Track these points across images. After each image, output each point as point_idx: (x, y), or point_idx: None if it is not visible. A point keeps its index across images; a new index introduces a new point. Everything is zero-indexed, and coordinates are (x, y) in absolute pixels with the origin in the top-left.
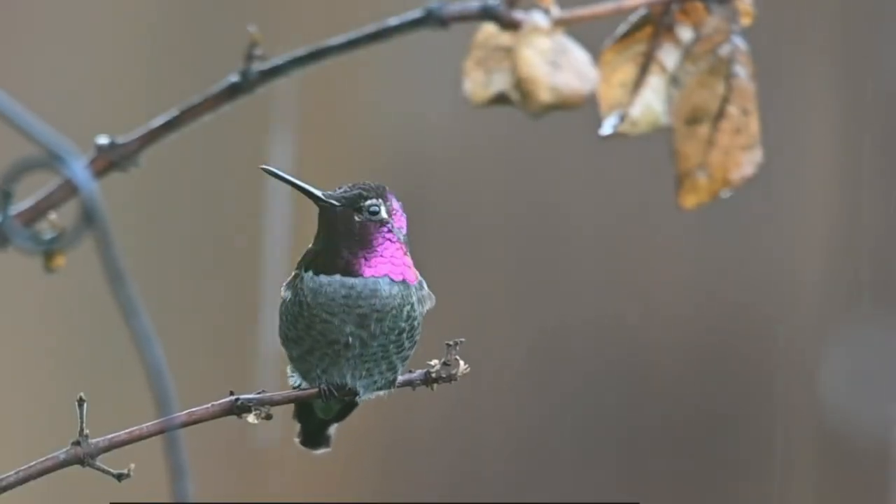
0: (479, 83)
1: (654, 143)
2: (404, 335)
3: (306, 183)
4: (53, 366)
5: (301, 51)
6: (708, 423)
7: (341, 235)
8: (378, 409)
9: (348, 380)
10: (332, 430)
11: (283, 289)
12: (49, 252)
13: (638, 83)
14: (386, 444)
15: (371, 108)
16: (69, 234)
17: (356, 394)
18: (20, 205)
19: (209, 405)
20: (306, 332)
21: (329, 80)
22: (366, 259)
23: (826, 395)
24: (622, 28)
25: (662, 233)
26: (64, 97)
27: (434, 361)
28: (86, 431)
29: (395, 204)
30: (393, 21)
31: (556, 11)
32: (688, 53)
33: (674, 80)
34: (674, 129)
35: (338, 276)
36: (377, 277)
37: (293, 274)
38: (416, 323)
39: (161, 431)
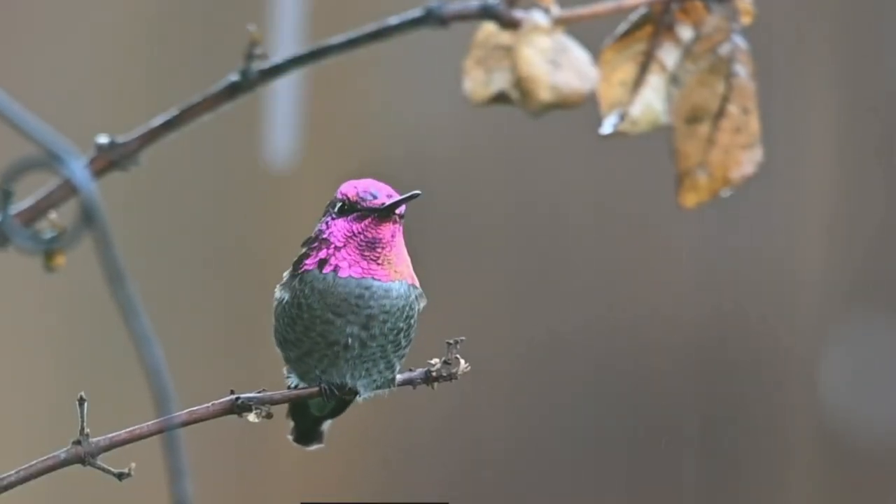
0: (479, 82)
1: (655, 143)
2: (402, 335)
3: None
4: (54, 365)
5: (301, 50)
6: (708, 423)
7: (388, 241)
8: (378, 408)
9: (348, 380)
10: (326, 426)
11: (277, 290)
12: (49, 252)
13: (638, 82)
14: (386, 443)
15: (371, 107)
16: (69, 234)
17: (357, 393)
18: (20, 204)
19: (209, 404)
20: (305, 333)
21: (329, 80)
22: (393, 263)
23: (826, 395)
24: (622, 27)
25: (662, 233)
26: (64, 97)
27: (435, 360)
28: (86, 430)
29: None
30: (393, 20)
31: (556, 10)
32: (688, 52)
33: (674, 79)
34: (674, 127)
35: (359, 278)
36: (393, 280)
37: (289, 274)
38: (412, 322)
39: (161, 431)
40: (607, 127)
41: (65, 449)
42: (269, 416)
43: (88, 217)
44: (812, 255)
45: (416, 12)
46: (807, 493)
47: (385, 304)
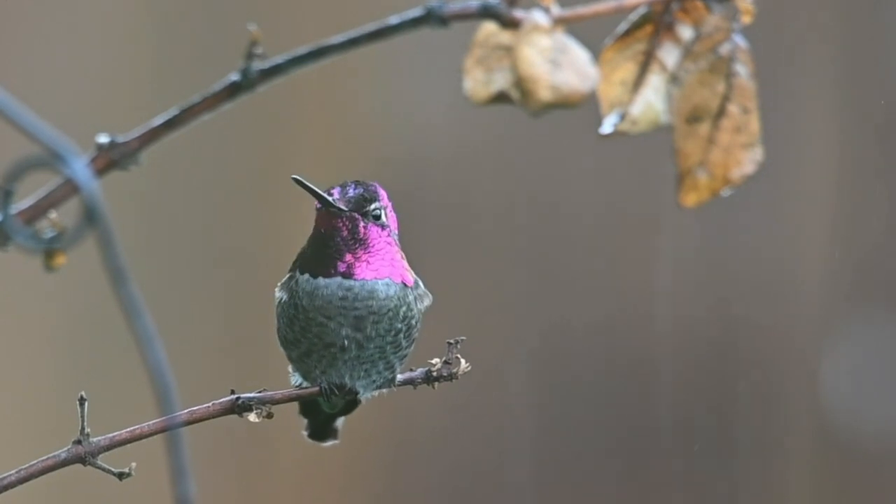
0: (479, 82)
1: (655, 142)
2: (401, 335)
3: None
4: (54, 365)
5: (301, 50)
6: (707, 423)
7: (345, 240)
8: (379, 408)
9: (347, 380)
10: (340, 422)
11: (277, 290)
12: (49, 251)
13: (638, 82)
14: (386, 443)
15: (371, 107)
16: (71, 233)
17: (356, 393)
18: (21, 203)
19: (209, 404)
20: (303, 334)
21: (329, 80)
22: (368, 263)
23: (827, 394)
24: (622, 27)
25: (663, 232)
26: (64, 96)
27: (435, 360)
28: (87, 430)
29: (387, 201)
30: (393, 20)
31: (556, 10)
32: (688, 52)
33: (674, 79)
34: (674, 127)
35: (337, 279)
36: (378, 280)
37: (287, 275)
38: (413, 322)
39: (162, 430)
40: (607, 126)
41: (65, 449)
42: (269, 415)
43: (91, 216)
44: (813, 255)
45: (416, 12)
46: (807, 492)
47: (371, 304)
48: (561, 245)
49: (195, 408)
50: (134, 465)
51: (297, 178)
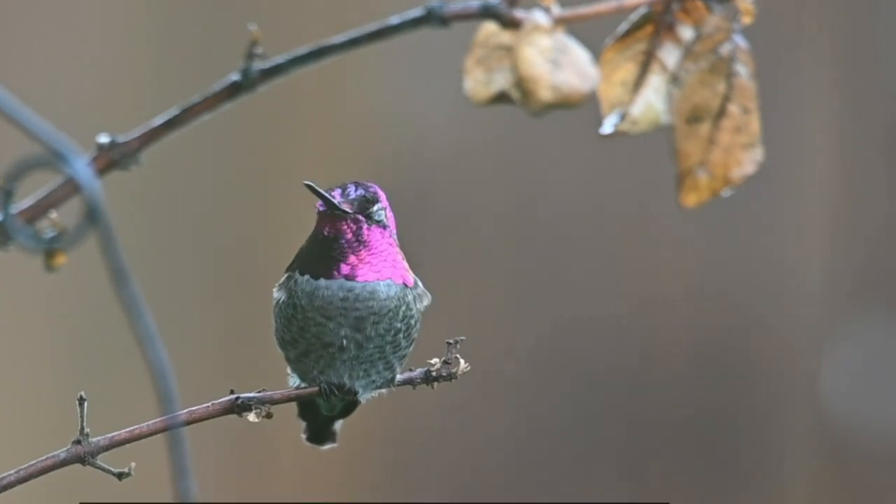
0: (479, 82)
1: (655, 142)
2: (401, 335)
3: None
4: (54, 364)
5: (302, 50)
6: (708, 423)
7: (350, 242)
8: (378, 408)
9: (346, 380)
10: (338, 425)
11: (275, 290)
12: (50, 251)
13: (639, 82)
14: (386, 443)
15: (371, 107)
16: (72, 233)
17: (355, 393)
18: (22, 203)
19: (209, 404)
20: (300, 334)
21: (329, 80)
22: (371, 264)
23: (826, 395)
24: (623, 27)
25: (663, 233)
26: (64, 96)
27: (434, 360)
28: (86, 430)
29: (385, 202)
30: (394, 20)
31: (556, 10)
32: (689, 52)
33: (674, 79)
34: (674, 127)
35: (339, 280)
36: (379, 281)
37: (285, 275)
38: (412, 322)
39: (162, 430)
40: (608, 127)
41: (65, 448)
42: (269, 415)
43: (92, 216)
44: (813, 255)
45: (416, 12)
46: (807, 492)
47: (372, 305)
48: (561, 245)
49: (195, 408)
50: (134, 465)
51: (309, 183)
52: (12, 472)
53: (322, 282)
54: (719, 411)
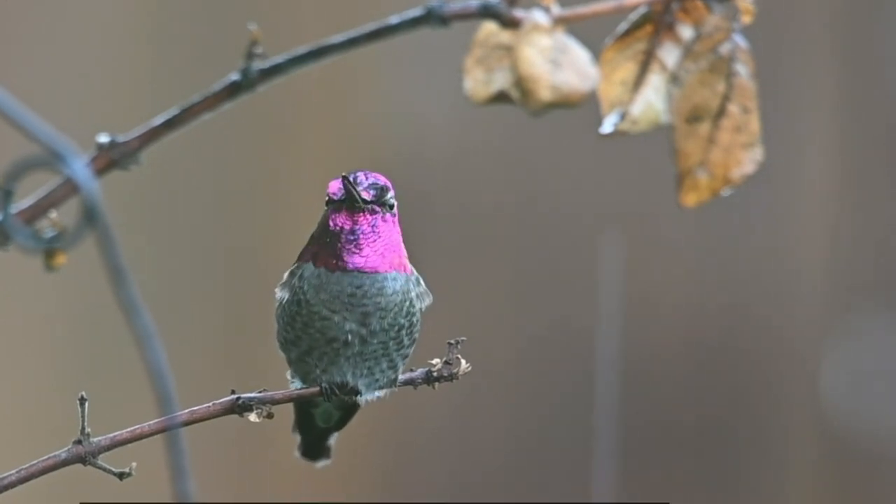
0: (479, 81)
1: (655, 142)
2: (403, 332)
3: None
4: (55, 365)
5: (302, 49)
6: (707, 423)
7: (365, 234)
8: (379, 408)
9: (349, 378)
10: (333, 440)
11: (277, 290)
12: (50, 251)
13: (638, 81)
14: (386, 443)
15: (371, 107)
16: (71, 233)
17: (358, 392)
18: (21, 203)
19: (210, 404)
20: (304, 330)
21: (329, 80)
22: (383, 255)
23: (826, 395)
24: (623, 26)
25: (662, 233)
26: (64, 96)
27: (435, 360)
28: (87, 430)
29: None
30: (393, 19)
31: (556, 10)
32: (688, 52)
33: (674, 79)
34: (674, 127)
35: (350, 275)
36: (387, 273)
37: (288, 273)
38: (414, 319)
39: (163, 430)
40: (608, 126)
41: (66, 448)
42: (269, 415)
43: (90, 216)
44: (813, 255)
45: (416, 11)
46: (807, 492)
47: (380, 301)
48: (561, 245)
49: (195, 408)
50: (134, 464)
51: (346, 176)
52: (13, 471)
53: (332, 276)
54: (719, 411)
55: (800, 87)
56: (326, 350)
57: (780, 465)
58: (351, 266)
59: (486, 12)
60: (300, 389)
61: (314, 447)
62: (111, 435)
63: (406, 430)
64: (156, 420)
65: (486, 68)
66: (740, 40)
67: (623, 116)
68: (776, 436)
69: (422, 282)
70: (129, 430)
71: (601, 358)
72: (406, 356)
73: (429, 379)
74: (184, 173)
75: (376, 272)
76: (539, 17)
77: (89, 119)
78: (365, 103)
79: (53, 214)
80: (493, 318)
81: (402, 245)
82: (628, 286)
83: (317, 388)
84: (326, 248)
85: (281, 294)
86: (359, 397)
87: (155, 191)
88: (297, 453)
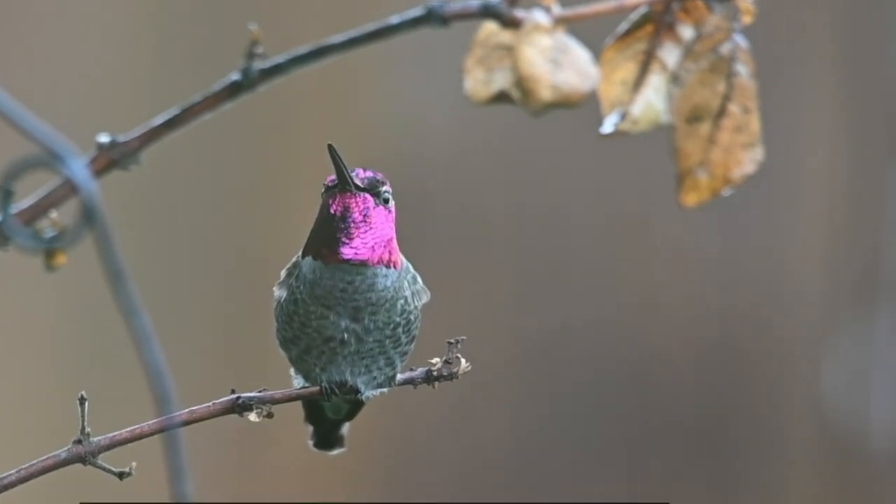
0: (479, 81)
1: (655, 142)
2: (400, 329)
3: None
4: (55, 364)
5: (302, 49)
6: (707, 423)
7: (356, 221)
8: (380, 408)
9: (348, 377)
10: (345, 429)
11: (275, 288)
12: (50, 251)
13: (639, 81)
14: (386, 443)
15: (371, 108)
16: (70, 233)
17: (357, 391)
18: (21, 203)
19: (210, 404)
20: (301, 329)
21: (329, 80)
22: (373, 249)
23: (826, 395)
24: (623, 26)
25: (663, 233)
26: (64, 96)
27: (435, 360)
28: (87, 430)
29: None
30: (394, 19)
31: (557, 9)
32: (689, 51)
33: (675, 79)
34: (675, 127)
35: (340, 269)
36: (377, 269)
37: (285, 272)
38: (411, 317)
39: (163, 430)
40: (608, 126)
41: (65, 448)
42: (269, 415)
43: (89, 216)
44: (813, 255)
45: (416, 11)
46: (807, 492)
47: (370, 296)
48: (561, 245)
49: (195, 407)
50: (134, 464)
51: (332, 146)
52: (13, 471)
53: (326, 270)
54: (719, 411)
55: (800, 86)
56: (324, 349)
57: (780, 465)
58: (342, 256)
59: (487, 12)
60: (300, 389)
61: (326, 437)
62: (111, 435)
63: (406, 429)
64: (155, 420)
65: (486, 68)
66: (741, 40)
67: (623, 116)
68: (776, 436)
69: (419, 279)
70: (128, 429)
71: (601, 357)
72: (405, 354)
73: (429, 378)
74: (184, 173)
75: (365, 266)
76: (540, 17)
77: (89, 119)
78: (365, 103)
79: (53, 214)
80: (493, 318)
81: (395, 241)
82: (628, 286)
83: (316, 388)
84: (319, 236)
85: (279, 293)
86: (359, 395)
87: (155, 191)
88: (310, 444)
